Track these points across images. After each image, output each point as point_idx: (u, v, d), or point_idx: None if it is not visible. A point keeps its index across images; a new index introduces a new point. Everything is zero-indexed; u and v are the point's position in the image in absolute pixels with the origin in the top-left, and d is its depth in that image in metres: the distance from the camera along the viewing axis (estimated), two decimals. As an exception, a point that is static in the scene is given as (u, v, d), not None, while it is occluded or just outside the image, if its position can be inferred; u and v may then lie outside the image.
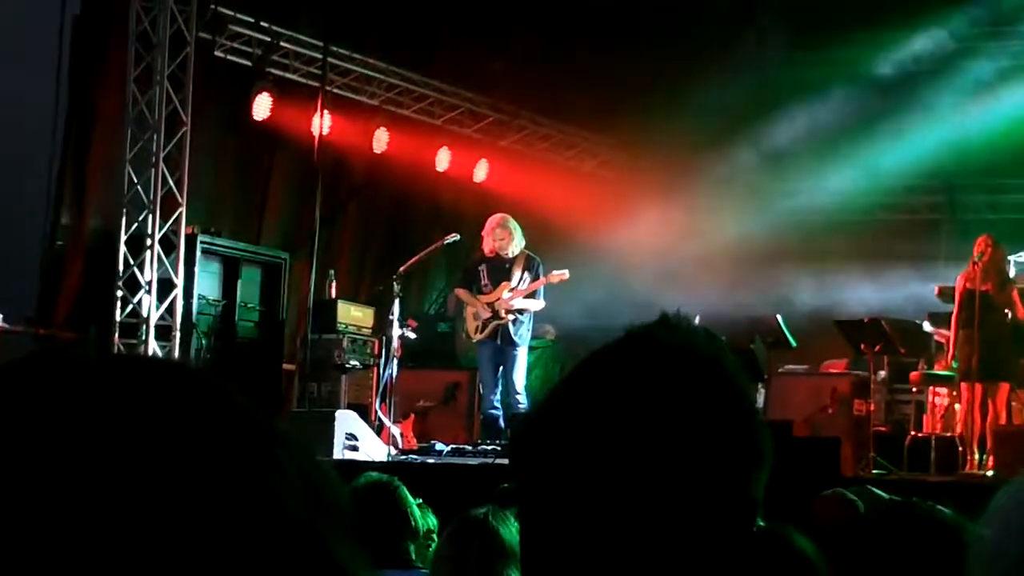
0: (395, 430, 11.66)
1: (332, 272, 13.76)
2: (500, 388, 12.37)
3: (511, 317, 12.21)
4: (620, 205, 16.16)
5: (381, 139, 14.92)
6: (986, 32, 15.87)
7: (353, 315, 13.39)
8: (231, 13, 13.30)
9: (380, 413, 11.89)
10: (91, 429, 0.79)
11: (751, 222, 16.13)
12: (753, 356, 12.34)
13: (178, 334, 12.13)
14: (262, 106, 13.56)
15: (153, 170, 12.11)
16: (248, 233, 13.88)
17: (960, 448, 11.22)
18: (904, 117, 16.08)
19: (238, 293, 12.95)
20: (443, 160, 15.82)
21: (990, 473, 10.50)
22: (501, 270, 12.32)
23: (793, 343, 12.99)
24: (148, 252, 12.07)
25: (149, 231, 12.08)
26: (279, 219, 14.56)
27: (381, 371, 12.29)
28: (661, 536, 1.27)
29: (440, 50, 16.17)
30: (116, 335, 11.94)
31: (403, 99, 15.47)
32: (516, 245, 12.31)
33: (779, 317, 13.03)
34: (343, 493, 0.88)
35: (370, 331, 13.42)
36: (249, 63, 13.82)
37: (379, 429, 11.58)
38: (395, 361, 11.85)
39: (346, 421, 11.11)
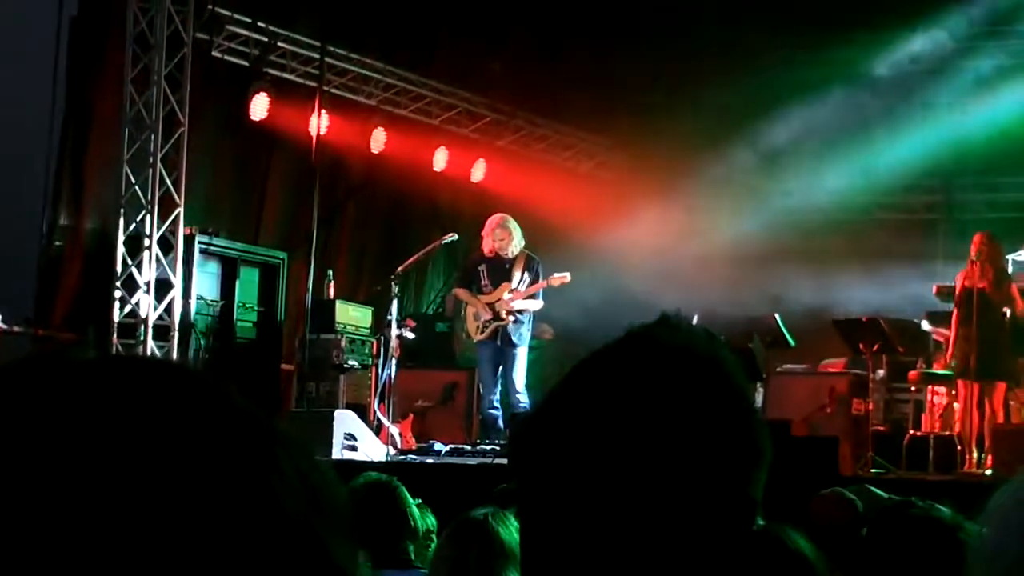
0: (394, 430, 11.66)
1: (330, 272, 13.75)
2: (500, 388, 12.38)
3: (511, 318, 12.22)
4: (618, 205, 16.16)
5: (379, 139, 14.92)
6: (983, 32, 15.88)
7: (351, 315, 13.38)
8: (228, 13, 13.29)
9: (379, 413, 11.89)
10: (90, 430, 0.79)
11: (749, 222, 16.14)
12: (752, 355, 12.34)
13: (176, 334, 12.13)
14: (259, 106, 13.55)
15: (151, 170, 12.10)
16: (246, 233, 13.87)
17: (959, 447, 11.22)
18: (901, 116, 16.09)
19: (236, 293, 12.95)
20: (441, 160, 15.82)
21: (988, 472, 10.50)
22: (501, 270, 12.32)
23: (791, 342, 12.99)
24: (146, 252, 12.06)
25: (147, 231, 12.08)
26: (277, 219, 14.56)
27: (380, 371, 12.29)
28: (661, 536, 1.27)
29: (438, 50, 16.17)
30: (114, 335, 11.94)
31: (401, 99, 15.47)
32: (516, 245, 12.32)
33: (777, 316, 13.04)
34: (342, 493, 0.88)
35: (368, 331, 13.42)
36: (246, 63, 13.82)
37: (378, 429, 11.58)
38: (393, 361, 11.85)
39: (345, 421, 11.11)
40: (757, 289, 14.78)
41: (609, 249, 15.19)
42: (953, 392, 11.86)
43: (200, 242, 12.48)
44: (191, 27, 12.40)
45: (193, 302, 12.38)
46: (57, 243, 12.47)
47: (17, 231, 12.34)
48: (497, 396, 12.39)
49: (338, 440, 10.78)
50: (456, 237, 13.03)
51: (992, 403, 11.18)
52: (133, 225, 12.11)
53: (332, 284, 13.65)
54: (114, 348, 11.77)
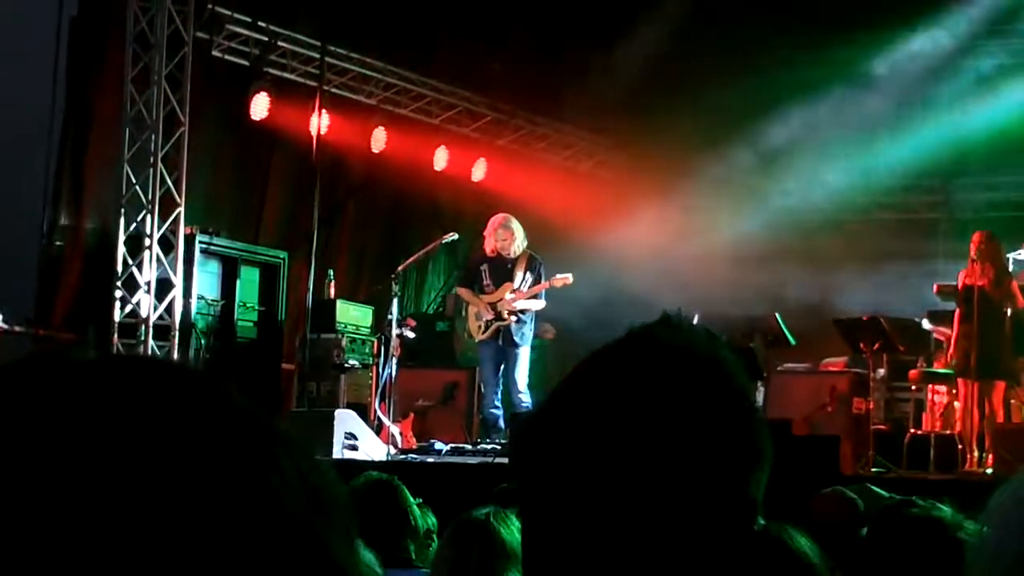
0: (394, 429, 11.66)
1: (331, 272, 13.75)
2: (501, 387, 12.39)
3: (513, 318, 12.23)
4: (618, 205, 16.16)
5: (379, 138, 14.92)
6: (983, 31, 15.87)
7: (352, 315, 13.39)
8: (229, 13, 13.29)
9: (379, 412, 11.89)
10: (89, 430, 0.79)
11: (750, 221, 16.14)
12: (752, 355, 12.34)
13: (177, 334, 12.13)
14: (260, 106, 13.55)
15: (151, 170, 12.10)
16: (246, 233, 13.87)
17: (959, 446, 11.22)
18: (902, 116, 16.09)
19: (237, 293, 12.95)
20: (441, 159, 15.82)
21: (989, 471, 10.50)
22: (503, 270, 12.33)
23: (792, 341, 12.99)
24: (146, 252, 12.07)
25: (147, 231, 12.08)
26: (277, 219, 14.55)
27: (380, 370, 12.29)
28: (662, 536, 1.27)
29: (438, 50, 16.18)
30: (115, 335, 11.94)
31: (401, 98, 15.47)
32: (518, 245, 12.33)
33: (778, 316, 13.04)
34: (342, 493, 0.88)
35: (369, 330, 13.42)
36: (247, 63, 13.82)
37: (378, 428, 11.58)
38: (394, 360, 11.86)
39: (345, 421, 11.11)
40: (757, 288, 14.77)
41: (609, 248, 15.19)
42: (954, 391, 11.86)
43: (201, 242, 12.48)
44: (191, 27, 12.40)
45: (194, 302, 12.38)
46: (58, 243, 12.47)
47: (17, 231, 12.35)
48: (498, 396, 12.40)
49: (339, 440, 10.78)
50: (456, 236, 13.04)
51: (991, 402, 11.18)
52: (134, 225, 12.11)
53: (333, 284, 13.65)
54: (115, 348, 11.77)
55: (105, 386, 0.82)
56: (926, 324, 12.66)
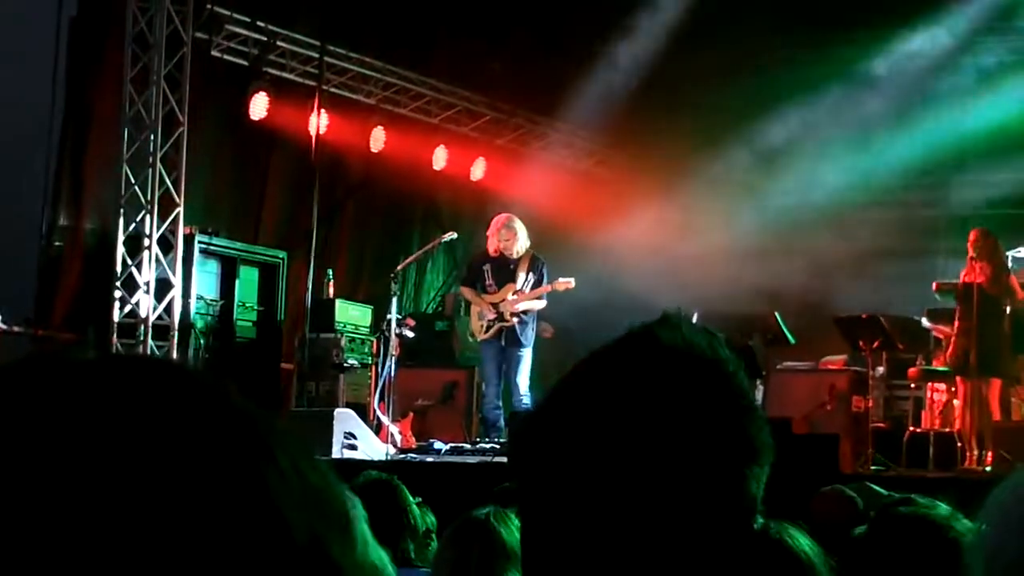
0: (394, 429, 11.66)
1: (330, 271, 13.76)
2: (501, 388, 12.39)
3: (515, 319, 12.23)
4: (617, 204, 16.16)
5: (378, 138, 14.92)
6: (983, 28, 15.87)
7: (351, 314, 13.39)
8: (227, 13, 13.29)
9: (379, 412, 11.90)
10: (87, 430, 0.79)
11: (748, 220, 16.14)
12: (752, 353, 12.35)
13: (176, 334, 12.13)
14: (259, 106, 13.55)
15: (150, 170, 12.10)
16: (246, 233, 13.87)
17: (959, 444, 11.22)
18: (901, 114, 16.09)
19: (236, 293, 12.95)
20: (440, 159, 15.82)
21: (989, 469, 10.50)
22: (506, 271, 12.33)
23: (791, 340, 12.99)
24: (146, 252, 12.06)
25: (147, 231, 12.08)
26: (277, 218, 14.55)
27: (379, 370, 12.30)
28: (662, 534, 1.27)
29: (437, 49, 16.17)
30: (114, 335, 11.94)
31: (400, 98, 15.47)
32: (521, 245, 12.34)
33: (777, 314, 13.04)
34: (341, 492, 0.88)
35: (368, 330, 13.43)
36: (246, 63, 13.82)
37: (377, 428, 11.58)
38: (393, 360, 11.85)
39: (344, 420, 11.11)
40: (756, 287, 14.77)
41: (608, 247, 15.19)
42: (953, 389, 11.86)
43: (200, 242, 12.48)
44: (190, 27, 12.39)
45: (193, 302, 12.38)
46: (57, 243, 12.47)
47: (17, 231, 12.34)
48: (499, 395, 12.40)
49: (338, 439, 10.78)
50: (456, 236, 13.05)
51: (988, 400, 11.18)
52: (133, 225, 12.11)
53: (332, 283, 13.66)
54: (114, 348, 11.76)
55: (104, 386, 0.82)
56: (925, 322, 12.66)
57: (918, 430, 11.96)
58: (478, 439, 12.23)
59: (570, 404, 1.34)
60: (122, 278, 12.00)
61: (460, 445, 11.74)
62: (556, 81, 16.14)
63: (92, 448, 0.79)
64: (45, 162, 12.07)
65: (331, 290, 13.58)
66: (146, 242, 12.06)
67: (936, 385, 12.42)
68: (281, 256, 13.48)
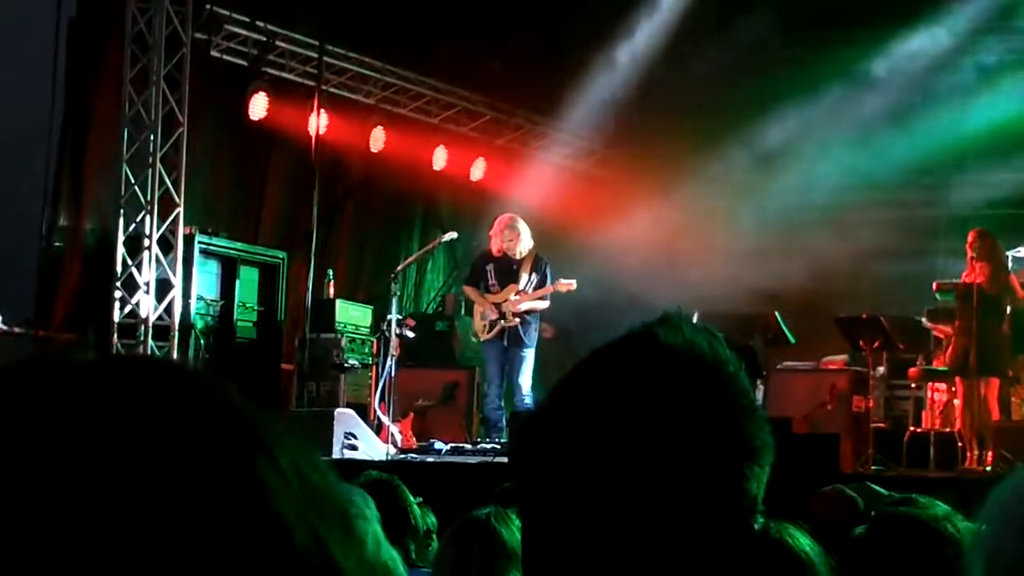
0: (394, 429, 11.66)
1: (330, 271, 13.76)
2: (503, 388, 12.40)
3: (517, 319, 12.24)
4: (617, 204, 16.16)
5: (378, 138, 14.92)
6: (982, 28, 15.87)
7: (351, 314, 13.39)
8: (227, 13, 13.29)
9: (379, 412, 11.89)
10: (86, 430, 0.79)
11: (748, 220, 16.14)
12: (752, 353, 12.34)
13: (176, 334, 12.13)
14: (259, 106, 13.55)
15: (150, 170, 12.10)
16: (245, 233, 13.87)
17: (959, 444, 11.22)
18: (900, 114, 16.09)
19: (236, 293, 12.95)
20: (440, 159, 15.82)
21: (989, 469, 10.50)
22: (509, 271, 12.34)
23: (792, 340, 12.99)
24: (146, 252, 12.06)
25: (147, 231, 12.08)
26: (276, 219, 14.55)
27: (380, 370, 12.30)
28: (662, 535, 1.27)
29: (436, 49, 16.17)
30: (114, 336, 11.94)
31: (399, 98, 15.47)
32: (524, 246, 12.35)
33: (777, 314, 13.04)
34: (342, 492, 0.88)
35: (368, 330, 13.43)
36: (245, 63, 13.82)
37: (378, 428, 11.58)
38: (393, 360, 11.86)
39: (345, 420, 11.11)
40: (756, 287, 14.77)
41: (608, 247, 15.19)
42: (953, 389, 11.87)
43: (200, 242, 12.48)
44: (190, 27, 12.39)
45: (193, 302, 12.38)
46: (57, 244, 12.47)
47: (17, 232, 12.34)
48: (501, 395, 12.41)
49: (338, 439, 10.78)
50: (456, 236, 13.06)
51: (987, 400, 11.18)
52: (133, 225, 12.11)
53: (332, 283, 13.66)
54: (114, 348, 11.76)
55: (104, 387, 0.82)
56: (925, 322, 12.66)
57: (918, 430, 11.96)
58: (479, 439, 12.23)
59: (570, 404, 1.34)
60: (122, 278, 12.00)
61: (461, 445, 11.74)
62: (556, 81, 16.14)
63: (92, 449, 0.79)
64: (45, 162, 12.07)
65: (331, 290, 13.59)
66: (146, 242, 12.06)
67: (937, 385, 12.42)
68: (281, 256, 13.48)
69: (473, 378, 13.15)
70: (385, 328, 12.22)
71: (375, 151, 14.97)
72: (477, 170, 16.32)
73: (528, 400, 12.00)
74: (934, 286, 12.51)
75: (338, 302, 13.34)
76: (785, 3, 16.10)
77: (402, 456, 11.19)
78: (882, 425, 12.39)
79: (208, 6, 12.96)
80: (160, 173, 12.13)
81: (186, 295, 12.30)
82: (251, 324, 13.17)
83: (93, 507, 0.77)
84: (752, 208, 16.27)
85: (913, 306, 13.23)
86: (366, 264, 15.70)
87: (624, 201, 16.14)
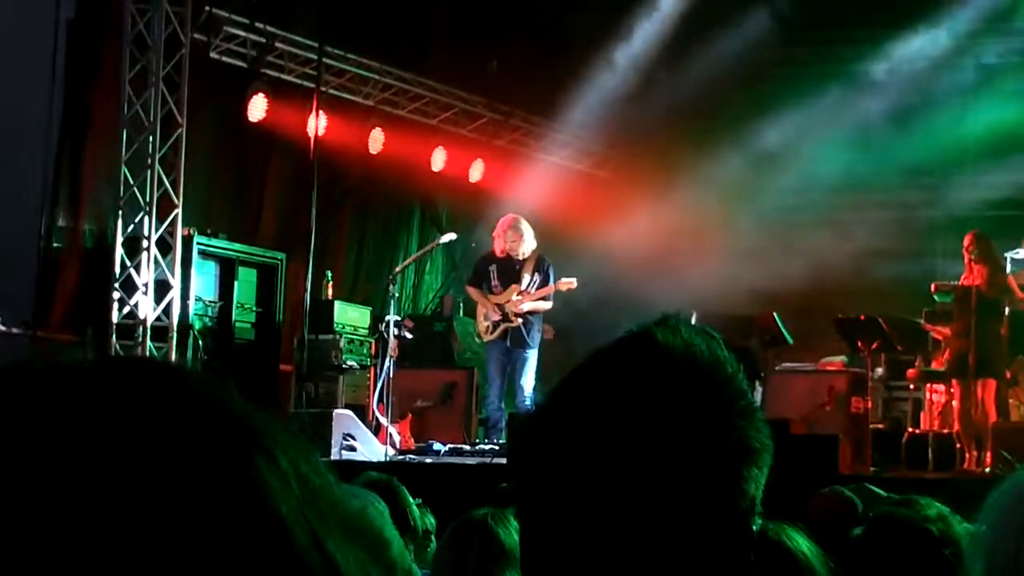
0: (392, 430, 11.66)
1: (329, 272, 13.76)
2: (504, 388, 12.40)
3: (520, 320, 12.24)
4: (615, 205, 16.17)
5: (377, 139, 14.92)
6: (981, 29, 15.88)
7: (350, 315, 13.39)
8: (226, 14, 13.29)
9: (377, 413, 11.89)
10: (84, 432, 0.79)
11: (746, 220, 16.15)
12: (750, 354, 12.35)
13: (175, 335, 12.12)
14: (257, 107, 13.55)
15: (149, 172, 12.10)
16: (244, 234, 13.86)
17: (958, 445, 11.22)
18: (899, 114, 16.10)
19: (235, 294, 12.94)
20: (438, 160, 15.82)
21: (988, 470, 10.50)
22: (511, 271, 12.36)
23: (790, 341, 13.00)
24: (144, 254, 12.06)
25: (145, 233, 12.07)
26: (275, 220, 14.55)
27: (378, 371, 12.30)
28: (660, 536, 1.27)
29: (435, 50, 16.17)
30: (113, 337, 11.93)
31: (398, 99, 15.47)
32: (527, 246, 12.36)
33: (775, 315, 13.04)
34: (341, 493, 0.88)
35: (367, 331, 13.42)
36: (244, 64, 13.81)
37: (376, 429, 11.58)
38: (392, 361, 11.86)
39: (343, 421, 11.11)
40: (755, 288, 14.78)
41: (607, 248, 15.20)
42: (951, 390, 11.87)
43: (198, 243, 12.47)
44: (188, 28, 12.38)
45: (191, 303, 12.37)
46: (56, 245, 12.46)
47: (15, 232, 12.33)
48: (501, 396, 12.41)
49: (337, 440, 10.78)
50: (454, 237, 13.06)
51: (984, 401, 11.18)
52: (131, 226, 12.11)
53: (330, 284, 13.66)
54: (113, 350, 11.76)
55: (103, 388, 0.82)
56: (924, 323, 12.67)
57: (917, 431, 11.96)
58: (477, 440, 12.24)
59: (569, 406, 1.34)
60: (121, 279, 12.00)
61: (459, 446, 11.74)
62: (554, 82, 16.15)
63: (91, 451, 0.79)
64: (43, 163, 12.06)
65: (330, 291, 13.59)
66: (145, 243, 12.06)
67: (935, 386, 12.43)
68: (280, 257, 13.47)
69: (471, 379, 13.15)
70: (383, 329, 12.23)
71: (374, 152, 14.97)
72: (476, 171, 16.32)
73: (531, 402, 12.01)
74: (932, 287, 12.52)
75: (336, 303, 13.34)
76: (784, 4, 16.11)
77: (400, 457, 11.19)
78: (880, 426, 12.40)
79: (207, 7, 12.96)
80: (159, 174, 12.13)
81: (184, 296, 12.29)
82: (249, 325, 13.17)
83: (92, 508, 0.77)
84: (751, 209, 16.28)
85: (912, 307, 13.24)
86: (364, 265, 15.71)
87: (623, 202, 16.15)
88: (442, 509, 4.90)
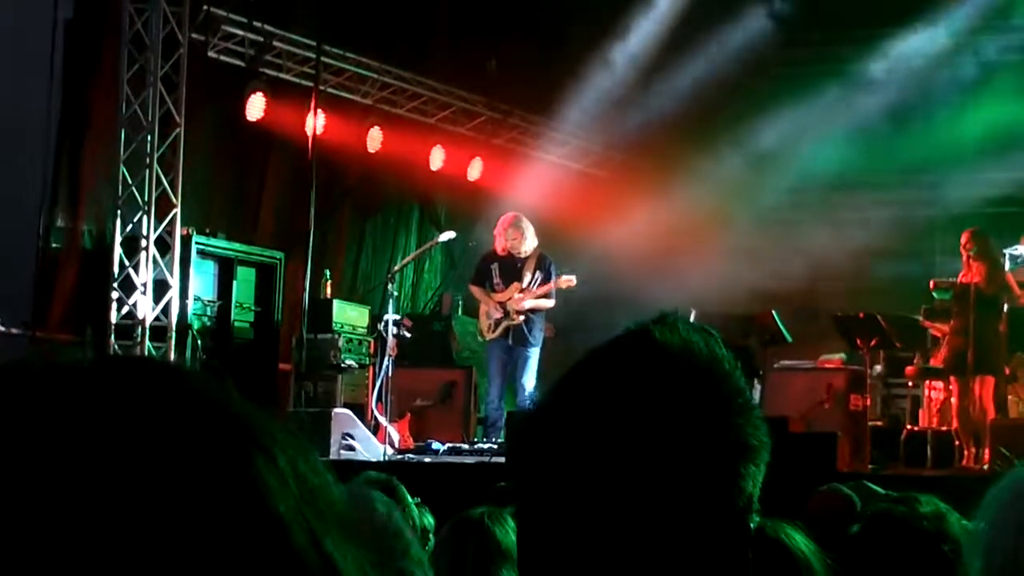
0: (391, 429, 11.66)
1: (327, 272, 13.76)
2: (504, 387, 12.40)
3: (522, 318, 12.24)
4: (614, 203, 16.17)
5: (375, 138, 14.92)
6: (979, 27, 15.88)
7: (348, 314, 13.39)
8: (224, 14, 13.28)
9: (376, 412, 11.89)
10: (83, 432, 0.80)
11: (745, 219, 16.15)
12: (749, 352, 12.35)
13: (173, 335, 12.11)
14: (256, 106, 13.55)
15: (147, 171, 12.09)
16: (243, 233, 13.85)
17: (956, 442, 11.23)
18: (897, 112, 16.10)
19: (233, 293, 12.94)
20: (437, 159, 15.82)
21: (986, 467, 10.51)
22: (513, 269, 12.36)
23: (789, 338, 13.00)
24: (143, 253, 12.05)
25: (144, 232, 12.06)
26: (274, 219, 14.55)
27: (377, 370, 12.30)
28: (658, 534, 1.27)
29: (434, 49, 16.17)
30: (111, 337, 11.93)
31: (396, 98, 15.47)
32: (529, 244, 12.36)
33: (774, 313, 13.05)
34: (340, 493, 0.88)
35: (365, 330, 13.42)
36: (242, 63, 13.81)
37: (375, 428, 11.58)
38: (390, 360, 11.85)
39: (342, 421, 11.11)
40: (754, 286, 14.78)
41: (605, 247, 15.20)
42: (950, 387, 11.88)
43: (197, 242, 12.47)
44: (186, 27, 12.38)
45: (190, 303, 12.37)
46: (54, 245, 12.45)
47: (14, 233, 12.32)
48: (501, 395, 12.41)
49: (336, 440, 10.78)
50: (453, 236, 13.06)
51: (982, 398, 11.19)
52: (130, 226, 12.10)
53: (329, 283, 13.66)
54: (111, 349, 11.75)
55: (102, 388, 0.82)
56: (922, 321, 12.67)
57: (916, 428, 11.97)
58: (476, 439, 12.24)
59: (567, 404, 1.34)
60: (119, 279, 11.99)
61: (458, 445, 11.74)
62: (553, 81, 16.16)
63: (90, 451, 0.79)
64: (42, 164, 12.05)
65: (328, 290, 13.59)
66: (143, 243, 12.05)
67: (934, 384, 12.43)
68: (278, 256, 13.46)
69: (470, 378, 13.15)
70: (382, 328, 12.22)
71: (372, 151, 14.97)
72: (474, 170, 16.32)
73: (530, 401, 11.99)
74: (931, 284, 12.52)
75: (335, 302, 13.34)
76: (783, 3, 16.11)
77: (399, 456, 11.19)
78: (879, 424, 12.40)
79: (205, 6, 12.96)
80: (157, 174, 12.12)
81: (183, 296, 12.28)
82: (248, 324, 13.16)
83: (92, 508, 0.77)
84: (749, 207, 16.28)
85: (910, 304, 13.25)
86: (363, 264, 15.71)
87: (621, 201, 16.15)
88: (441, 508, 4.90)
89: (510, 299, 12.30)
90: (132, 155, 12.09)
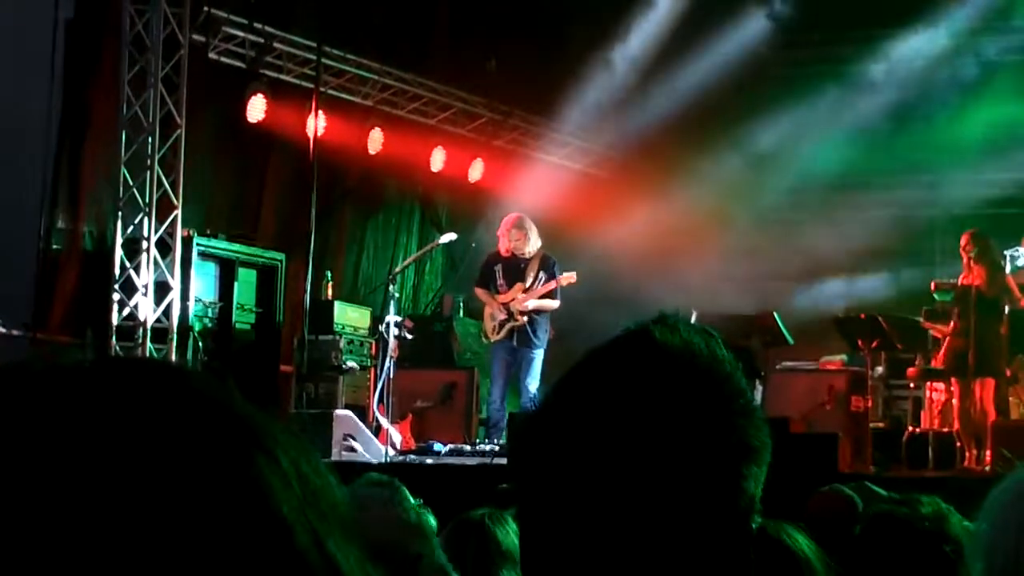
0: (393, 431, 11.66)
1: (328, 273, 13.76)
2: (507, 388, 12.40)
3: (526, 319, 12.24)
4: (614, 204, 16.17)
5: (376, 139, 14.92)
6: (979, 27, 15.88)
7: (350, 316, 13.38)
8: (224, 15, 13.28)
9: (378, 414, 11.89)
10: (83, 432, 0.79)
11: (745, 220, 16.15)
12: (750, 353, 12.35)
13: (175, 337, 12.11)
14: (256, 107, 13.55)
15: (148, 173, 12.09)
16: (244, 235, 13.86)
17: (958, 443, 11.23)
18: (897, 113, 16.10)
19: (234, 295, 12.93)
20: (438, 160, 15.82)
21: (988, 468, 10.51)
22: (516, 270, 12.36)
23: (790, 340, 13.00)
24: (144, 255, 12.05)
25: (145, 234, 12.06)
26: (275, 220, 14.55)
27: (378, 372, 12.30)
28: (660, 535, 1.27)
29: (434, 50, 16.17)
30: (112, 338, 11.93)
31: (397, 99, 15.47)
32: (532, 245, 12.36)
33: (775, 314, 13.05)
34: (342, 494, 0.88)
35: (367, 332, 13.42)
36: (243, 65, 13.81)
37: (377, 430, 11.58)
38: (392, 361, 11.85)
39: (344, 422, 11.11)
40: (754, 287, 14.78)
41: (606, 247, 15.20)
42: (951, 388, 11.88)
43: (198, 244, 12.46)
44: (187, 28, 12.38)
45: (191, 304, 12.37)
46: (55, 246, 12.45)
47: (15, 234, 12.32)
48: (504, 395, 12.41)
49: (337, 441, 10.78)
50: (454, 237, 13.06)
51: (983, 400, 11.18)
52: (131, 227, 12.10)
53: (330, 285, 13.66)
54: (112, 351, 11.75)
55: (103, 389, 0.82)
56: (923, 322, 12.68)
57: (917, 430, 11.97)
58: (478, 440, 12.24)
59: (568, 405, 1.34)
60: (120, 281, 11.99)
61: (459, 446, 11.75)
62: (553, 82, 16.16)
63: (93, 452, 0.79)
64: (43, 165, 12.05)
65: (329, 292, 13.59)
66: (144, 245, 12.05)
67: (935, 385, 12.43)
68: (279, 258, 13.46)
69: (472, 379, 13.15)
70: (383, 329, 12.22)
71: (373, 152, 14.97)
72: (475, 171, 16.32)
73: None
74: (932, 286, 12.52)
75: (336, 303, 13.34)
76: (783, 4, 16.11)
77: (401, 458, 11.19)
78: (880, 425, 12.41)
79: (206, 8, 12.96)
80: (158, 175, 12.12)
81: (184, 297, 12.28)
82: (249, 326, 13.16)
83: (94, 509, 0.77)
84: (750, 208, 16.28)
85: (911, 306, 13.25)
86: (364, 265, 15.71)
87: (621, 201, 16.15)
88: (442, 510, 4.90)
89: (513, 300, 12.30)
90: (133, 156, 12.09)
